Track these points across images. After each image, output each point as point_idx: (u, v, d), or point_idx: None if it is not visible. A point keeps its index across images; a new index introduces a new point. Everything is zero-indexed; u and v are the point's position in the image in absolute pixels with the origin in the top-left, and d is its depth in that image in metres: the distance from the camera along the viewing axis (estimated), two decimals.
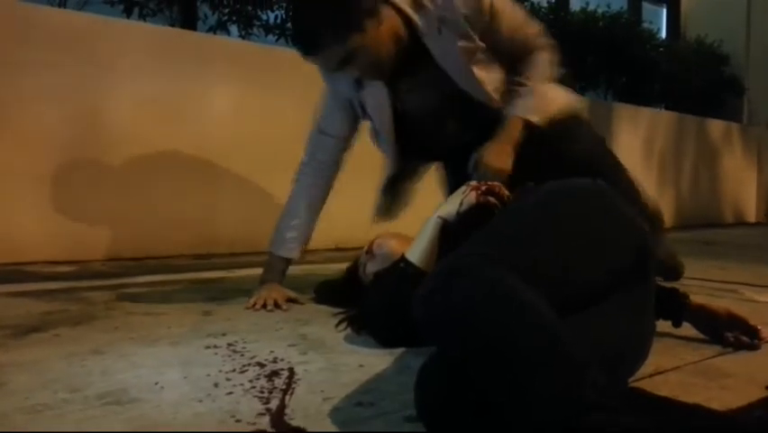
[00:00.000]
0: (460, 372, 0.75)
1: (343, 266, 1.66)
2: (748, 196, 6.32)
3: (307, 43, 1.42)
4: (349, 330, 1.33)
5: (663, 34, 6.42)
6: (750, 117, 6.45)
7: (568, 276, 0.91)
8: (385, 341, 1.20)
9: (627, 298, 0.96)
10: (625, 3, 5.98)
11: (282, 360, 1.11)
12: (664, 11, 6.66)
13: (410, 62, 1.51)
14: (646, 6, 6.31)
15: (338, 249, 2.95)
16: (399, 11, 1.47)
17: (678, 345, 1.24)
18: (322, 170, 1.74)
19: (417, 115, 1.59)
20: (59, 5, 2.76)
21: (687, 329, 1.28)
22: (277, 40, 3.45)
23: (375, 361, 1.11)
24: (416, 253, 1.22)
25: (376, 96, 1.59)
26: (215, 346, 1.20)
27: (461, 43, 1.48)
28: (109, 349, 1.18)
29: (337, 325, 1.35)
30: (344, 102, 1.68)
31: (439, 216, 1.23)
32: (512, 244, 0.92)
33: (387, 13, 1.44)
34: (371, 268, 1.45)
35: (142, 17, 3.03)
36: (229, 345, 1.22)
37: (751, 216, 6.33)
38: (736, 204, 6.11)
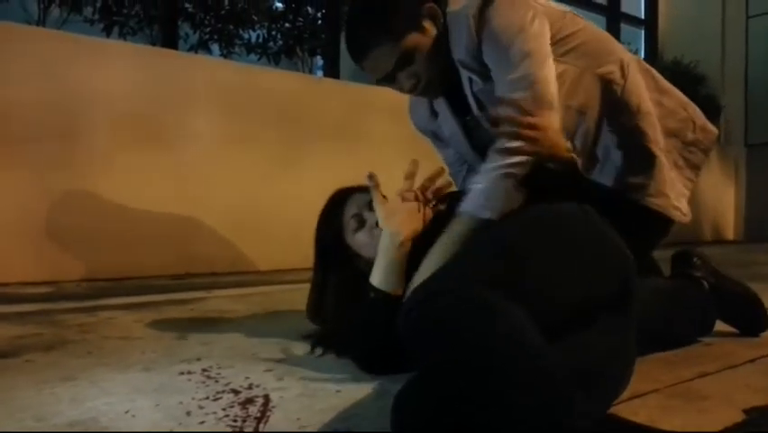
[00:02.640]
0: (437, 394, 0.75)
1: None
2: (726, 214, 6.41)
3: (359, 43, 1.29)
4: (328, 354, 1.31)
5: (642, 55, 6.53)
6: (727, 137, 6.56)
7: (552, 299, 0.91)
8: (366, 367, 1.18)
9: (611, 324, 0.96)
10: (603, 24, 6.08)
11: (258, 386, 1.09)
12: (642, 32, 6.79)
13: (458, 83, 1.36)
14: (625, 28, 6.42)
15: None
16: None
17: (655, 367, 1.24)
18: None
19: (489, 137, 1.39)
20: (38, 24, 2.75)
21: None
22: (259, 59, 3.47)
23: (353, 386, 1.09)
24: (377, 277, 1.19)
25: (449, 125, 1.50)
26: (189, 372, 1.18)
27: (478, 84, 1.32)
28: (81, 375, 1.15)
29: (312, 349, 1.32)
30: (437, 137, 1.61)
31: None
32: (496, 266, 0.92)
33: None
34: (363, 238, 1.31)
35: (123, 36, 3.03)
36: (203, 370, 1.19)
37: (729, 233, 6.41)
38: (714, 222, 6.18)
